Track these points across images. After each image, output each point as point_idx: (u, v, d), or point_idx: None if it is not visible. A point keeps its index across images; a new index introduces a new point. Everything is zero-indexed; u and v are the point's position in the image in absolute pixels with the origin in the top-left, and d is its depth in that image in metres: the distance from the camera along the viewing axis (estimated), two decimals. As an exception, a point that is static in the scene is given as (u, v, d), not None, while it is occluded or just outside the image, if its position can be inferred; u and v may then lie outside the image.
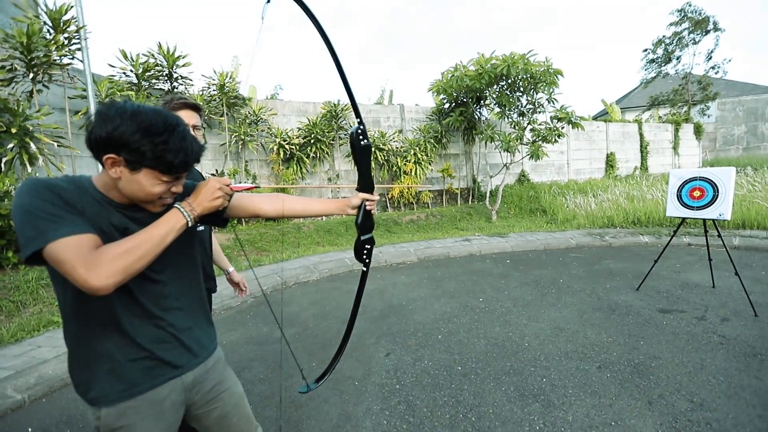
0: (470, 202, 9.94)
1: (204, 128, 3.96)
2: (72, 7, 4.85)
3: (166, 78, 6.32)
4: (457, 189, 9.79)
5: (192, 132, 1.45)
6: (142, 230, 0.89)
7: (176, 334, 1.03)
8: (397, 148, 8.74)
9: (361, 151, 1.22)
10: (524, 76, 7.71)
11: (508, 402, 2.28)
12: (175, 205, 0.95)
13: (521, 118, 8.46)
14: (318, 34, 1.13)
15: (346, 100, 8.35)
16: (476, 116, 9.15)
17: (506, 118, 8.55)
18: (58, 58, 4.85)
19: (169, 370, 1.02)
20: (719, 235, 3.63)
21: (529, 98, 8.29)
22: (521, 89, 8.20)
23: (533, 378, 2.53)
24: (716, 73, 18.81)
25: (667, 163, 14.52)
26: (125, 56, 5.88)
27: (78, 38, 4.92)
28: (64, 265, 0.78)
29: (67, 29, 4.86)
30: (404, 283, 4.72)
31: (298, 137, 7.74)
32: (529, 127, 8.46)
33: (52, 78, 4.94)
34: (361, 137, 1.20)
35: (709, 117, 19.75)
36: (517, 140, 8.27)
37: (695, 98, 18.58)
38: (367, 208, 1.24)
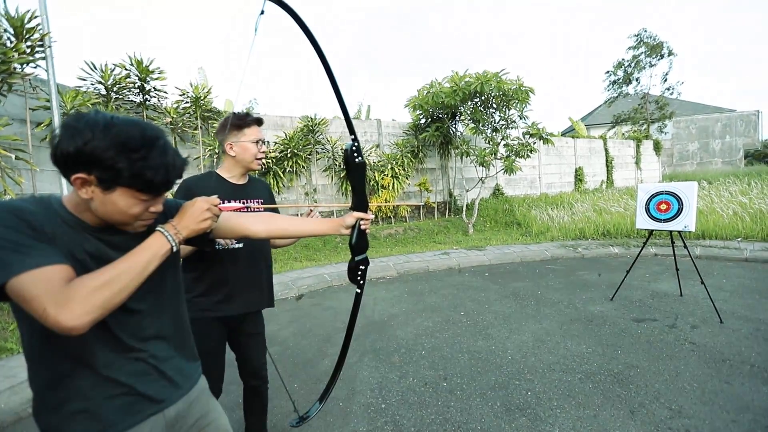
0: (447, 216, 10.05)
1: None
2: (36, 16, 4.64)
3: (138, 90, 6.12)
4: (434, 203, 9.90)
5: (257, 146, 1.67)
6: (121, 258, 0.80)
7: (157, 365, 0.94)
8: (374, 162, 8.78)
9: (355, 169, 1.17)
10: (497, 94, 7.97)
11: (495, 417, 2.27)
12: (158, 228, 0.87)
13: (495, 133, 8.71)
14: (312, 46, 1.11)
15: (322, 114, 8.36)
16: (452, 131, 9.35)
17: (481, 134, 8.78)
18: (19, 66, 4.61)
19: (150, 405, 0.93)
20: (685, 246, 3.81)
21: (502, 114, 8.56)
22: (494, 106, 8.46)
23: (518, 391, 2.53)
24: (671, 94, 20.15)
25: (631, 177, 15.28)
26: (93, 67, 5.66)
27: (42, 47, 4.70)
28: (32, 302, 0.69)
29: (30, 37, 4.63)
30: (385, 299, 4.66)
31: (274, 151, 7.64)
32: (503, 142, 8.71)
33: (12, 87, 4.67)
34: (355, 154, 1.16)
35: (666, 134, 21.05)
36: (491, 155, 8.49)
37: (653, 117, 19.78)
38: (362, 227, 1.19)
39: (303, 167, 8.00)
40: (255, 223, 1.13)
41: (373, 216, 1.30)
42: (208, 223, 0.93)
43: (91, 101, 5.36)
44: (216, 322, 1.65)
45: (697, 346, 3.05)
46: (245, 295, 1.69)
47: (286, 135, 7.82)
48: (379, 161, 8.83)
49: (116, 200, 0.80)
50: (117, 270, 0.78)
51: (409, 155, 9.06)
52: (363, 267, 1.22)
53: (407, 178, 9.05)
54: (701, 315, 3.67)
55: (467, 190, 9.55)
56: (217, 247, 1.59)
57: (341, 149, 8.36)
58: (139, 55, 5.83)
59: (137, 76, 5.91)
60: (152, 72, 5.93)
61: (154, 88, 6.16)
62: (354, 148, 1.16)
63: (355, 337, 3.52)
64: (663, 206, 3.83)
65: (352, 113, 12.68)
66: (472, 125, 8.77)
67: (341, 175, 8.37)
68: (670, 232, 3.91)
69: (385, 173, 8.60)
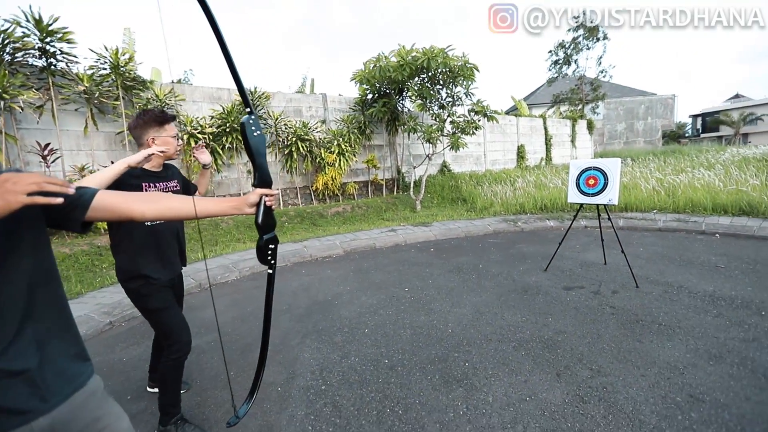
0: (395, 193, 10.09)
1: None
2: None
3: (39, 53, 5.29)
4: (382, 180, 9.87)
5: (175, 142, 1.87)
6: None
7: (23, 373, 0.80)
8: (320, 138, 8.49)
9: (255, 143, 1.11)
10: (444, 70, 7.95)
11: (434, 390, 2.32)
12: None
13: (441, 110, 8.76)
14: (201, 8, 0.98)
15: (263, 87, 7.87)
16: (399, 108, 9.26)
17: (427, 111, 8.78)
18: None
19: (11, 417, 0.79)
20: (609, 218, 4.11)
21: (449, 91, 8.60)
22: (441, 82, 8.46)
23: (457, 363, 2.61)
24: (604, 77, 21.49)
25: (567, 155, 16.28)
26: (-22, 23, 4.79)
27: None
28: None
29: None
30: (330, 278, 4.60)
31: (211, 126, 7.09)
32: (449, 119, 8.80)
33: None
34: (253, 128, 1.10)
35: (598, 115, 22.59)
36: (438, 132, 8.55)
37: (588, 98, 21.05)
38: (267, 203, 1.12)
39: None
40: (141, 202, 0.98)
41: (277, 192, 1.27)
42: (12, 197, 0.73)
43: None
44: (165, 285, 1.94)
45: (616, 310, 3.33)
46: (173, 262, 1.98)
47: (224, 109, 7.26)
48: (324, 138, 8.55)
49: None
50: None
51: (355, 131, 8.86)
52: (272, 246, 1.16)
53: (354, 155, 8.88)
54: (621, 281, 4.01)
55: (415, 167, 9.62)
56: (147, 224, 1.82)
57: (284, 125, 7.97)
58: (38, 10, 5.01)
59: (36, 36, 5.10)
60: (55, 32, 5.14)
61: (60, 50, 5.36)
62: (251, 121, 1.10)
63: (298, 319, 3.43)
64: (591, 181, 4.08)
65: (296, 87, 12.04)
66: (419, 101, 8.74)
67: (285, 152, 8.02)
68: (597, 205, 4.18)
69: (331, 150, 8.37)
